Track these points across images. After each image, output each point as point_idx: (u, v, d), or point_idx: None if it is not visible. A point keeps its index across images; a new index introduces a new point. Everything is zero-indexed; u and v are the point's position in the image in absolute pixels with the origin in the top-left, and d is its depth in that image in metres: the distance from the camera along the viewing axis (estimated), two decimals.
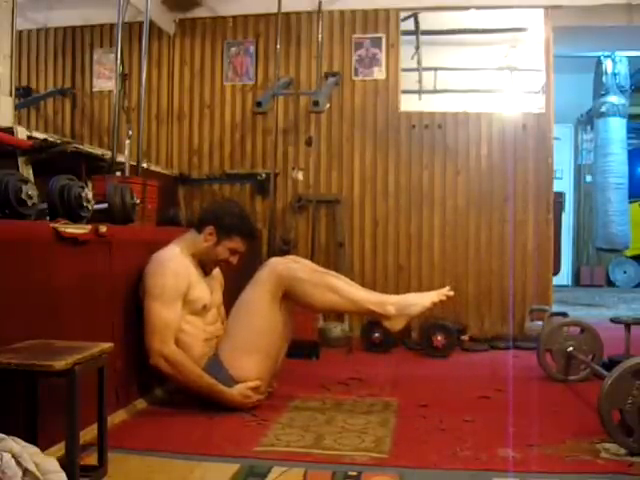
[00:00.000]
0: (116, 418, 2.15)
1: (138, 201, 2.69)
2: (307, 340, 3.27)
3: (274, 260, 2.47)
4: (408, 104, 4.34)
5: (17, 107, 3.54)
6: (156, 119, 4.45)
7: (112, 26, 4.01)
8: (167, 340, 2.27)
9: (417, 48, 5.15)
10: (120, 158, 3.07)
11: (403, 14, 4.30)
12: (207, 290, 2.47)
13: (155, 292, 2.29)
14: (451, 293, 2.41)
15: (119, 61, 3.16)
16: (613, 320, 2.95)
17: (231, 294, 2.75)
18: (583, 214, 7.70)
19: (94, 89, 4.53)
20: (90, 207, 2.23)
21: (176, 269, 2.35)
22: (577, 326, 2.90)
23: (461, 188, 4.11)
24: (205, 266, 2.50)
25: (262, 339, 2.38)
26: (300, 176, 4.19)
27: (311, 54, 4.21)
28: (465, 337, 3.86)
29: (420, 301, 2.40)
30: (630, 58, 5.83)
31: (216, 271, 2.62)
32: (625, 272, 7.73)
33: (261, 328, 2.37)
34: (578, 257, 7.86)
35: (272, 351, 2.41)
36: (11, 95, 2.72)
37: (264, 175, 4.17)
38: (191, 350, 2.34)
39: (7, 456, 1.27)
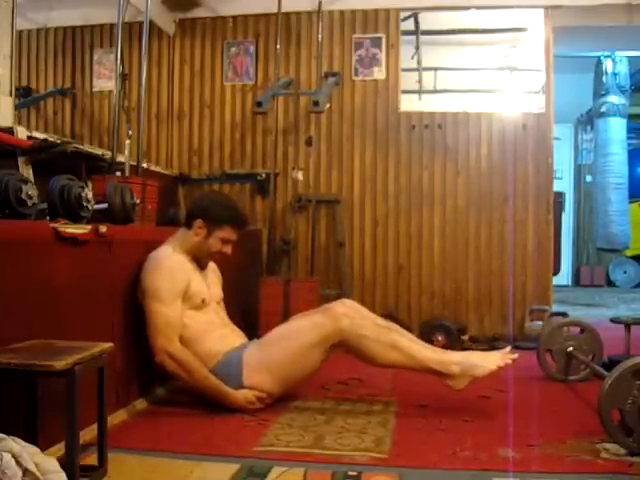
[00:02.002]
0: (116, 418, 2.15)
1: (138, 201, 2.69)
2: None
3: (340, 311, 2.37)
4: (408, 104, 4.34)
5: (17, 107, 3.54)
6: (156, 119, 4.45)
7: (112, 26, 4.01)
8: (172, 338, 2.28)
9: (417, 48, 5.15)
10: (120, 158, 3.07)
11: (403, 14, 4.30)
12: (204, 284, 2.47)
13: (154, 292, 2.30)
14: (515, 356, 2.34)
15: (119, 61, 3.16)
16: (613, 320, 2.95)
17: (233, 293, 2.75)
18: (583, 214, 7.70)
19: (94, 89, 4.53)
20: (90, 207, 2.23)
21: (172, 267, 2.36)
22: (577, 326, 2.90)
23: (461, 188, 4.11)
24: (200, 261, 2.50)
25: (292, 370, 2.37)
26: (300, 176, 4.19)
27: (311, 54, 4.20)
28: (465, 337, 3.86)
29: (486, 364, 2.33)
30: (630, 58, 5.83)
31: (213, 266, 2.62)
32: (625, 272, 7.73)
33: (296, 362, 2.36)
34: (578, 257, 7.86)
35: (295, 382, 2.42)
36: (11, 95, 2.72)
37: (264, 175, 4.17)
38: (196, 345, 2.34)
39: (7, 456, 1.27)
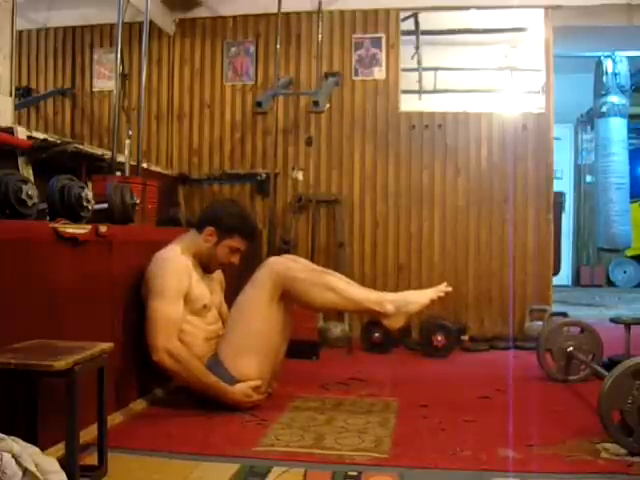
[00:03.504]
0: (116, 418, 2.15)
1: (138, 201, 2.69)
2: (307, 340, 3.27)
3: (272, 260, 2.46)
4: (408, 104, 4.34)
5: (17, 107, 3.54)
6: (156, 119, 4.45)
7: (112, 26, 4.01)
8: (171, 336, 2.27)
9: (417, 48, 5.15)
10: (120, 158, 3.07)
11: (403, 14, 4.30)
12: (207, 290, 2.47)
13: (158, 290, 2.30)
14: (449, 289, 2.41)
15: (119, 61, 3.16)
16: (613, 320, 2.94)
17: (233, 294, 2.75)
18: (583, 214, 7.70)
19: (94, 89, 4.53)
20: (90, 207, 2.23)
21: (178, 268, 2.36)
22: (577, 326, 2.90)
23: (461, 188, 4.11)
24: (206, 267, 2.51)
25: (261, 339, 2.37)
26: (300, 176, 4.19)
27: (311, 54, 4.20)
28: (465, 337, 3.86)
29: (418, 299, 2.41)
30: (630, 58, 5.82)
31: (217, 272, 2.62)
32: (625, 272, 7.73)
33: (259, 328, 2.37)
34: (578, 257, 7.86)
35: (271, 351, 2.41)
36: (11, 95, 2.72)
37: (264, 175, 4.18)
38: (192, 349, 2.34)
39: (7, 456, 1.27)
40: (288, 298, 2.39)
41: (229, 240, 2.46)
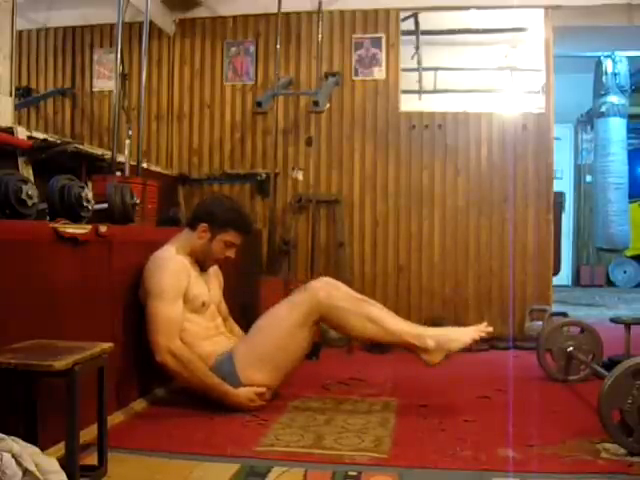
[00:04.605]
0: (116, 418, 2.15)
1: (138, 201, 2.69)
2: None
3: (315, 285, 2.42)
4: (408, 104, 4.34)
5: (17, 107, 3.54)
6: (156, 119, 4.44)
7: (112, 26, 4.01)
8: (173, 336, 2.27)
9: (417, 48, 5.15)
10: (120, 158, 3.07)
11: (403, 14, 4.30)
12: (205, 287, 2.48)
13: (157, 291, 2.30)
14: (490, 329, 2.38)
15: (119, 61, 3.16)
16: (613, 320, 2.94)
17: (232, 293, 2.76)
18: (583, 214, 7.70)
19: (94, 89, 4.53)
20: (90, 207, 2.23)
21: (175, 268, 2.36)
22: (577, 326, 2.90)
23: (461, 188, 4.11)
24: (202, 263, 2.51)
25: (281, 355, 2.38)
26: (300, 176, 4.19)
27: (311, 54, 4.20)
28: None
29: (461, 337, 2.36)
30: (630, 58, 5.82)
31: (214, 269, 2.62)
32: (625, 272, 7.73)
33: (284, 346, 2.37)
34: (578, 257, 7.86)
35: (287, 367, 2.42)
36: (11, 95, 2.72)
37: (264, 175, 4.18)
38: (194, 349, 2.34)
39: (7, 456, 1.27)
40: (324, 323, 2.40)
41: (223, 234, 2.46)
